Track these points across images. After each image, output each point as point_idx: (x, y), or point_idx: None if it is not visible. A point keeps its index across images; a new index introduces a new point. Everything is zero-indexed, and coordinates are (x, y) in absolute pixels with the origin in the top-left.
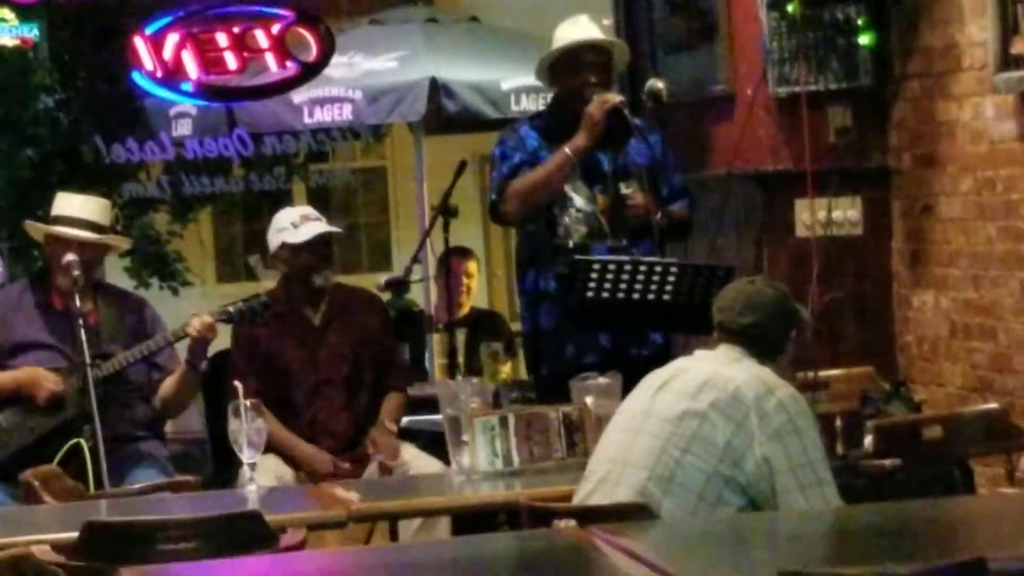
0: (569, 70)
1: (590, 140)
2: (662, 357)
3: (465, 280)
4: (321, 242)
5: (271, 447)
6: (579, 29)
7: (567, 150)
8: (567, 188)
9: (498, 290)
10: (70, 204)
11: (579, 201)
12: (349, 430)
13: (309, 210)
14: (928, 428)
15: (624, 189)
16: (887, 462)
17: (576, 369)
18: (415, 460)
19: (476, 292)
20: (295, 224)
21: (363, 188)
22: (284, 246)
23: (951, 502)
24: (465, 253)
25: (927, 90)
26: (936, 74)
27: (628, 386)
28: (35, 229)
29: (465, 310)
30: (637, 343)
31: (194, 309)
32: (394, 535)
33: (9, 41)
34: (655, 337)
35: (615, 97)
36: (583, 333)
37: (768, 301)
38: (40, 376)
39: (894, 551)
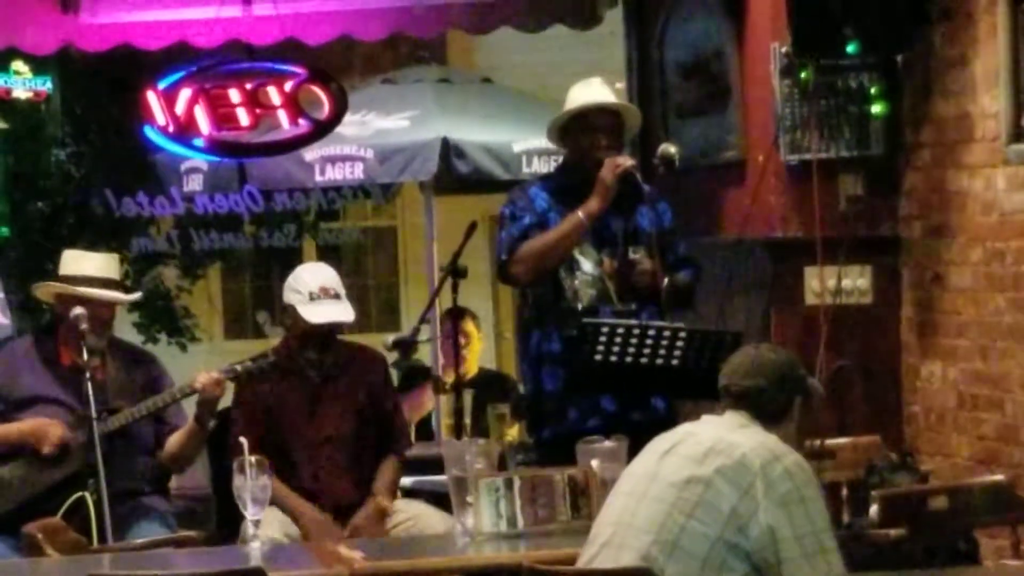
0: (580, 132)
1: (603, 204)
2: (665, 423)
3: (462, 340)
4: (329, 329)
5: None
6: (591, 91)
7: (580, 215)
8: (575, 252)
9: (506, 351)
10: (81, 263)
11: (586, 265)
12: (352, 489)
13: (330, 281)
14: (934, 499)
15: (632, 254)
16: (892, 532)
17: (578, 433)
18: (421, 516)
19: (477, 352)
20: (313, 296)
21: (373, 247)
22: (295, 310)
23: (956, 573)
24: (461, 313)
25: (938, 160)
26: (948, 144)
27: (631, 451)
28: (46, 290)
29: (472, 370)
30: (640, 408)
31: (202, 365)
32: None
33: (22, 94)
34: (658, 403)
35: (627, 161)
36: (586, 397)
37: (773, 366)
38: (46, 426)
39: None
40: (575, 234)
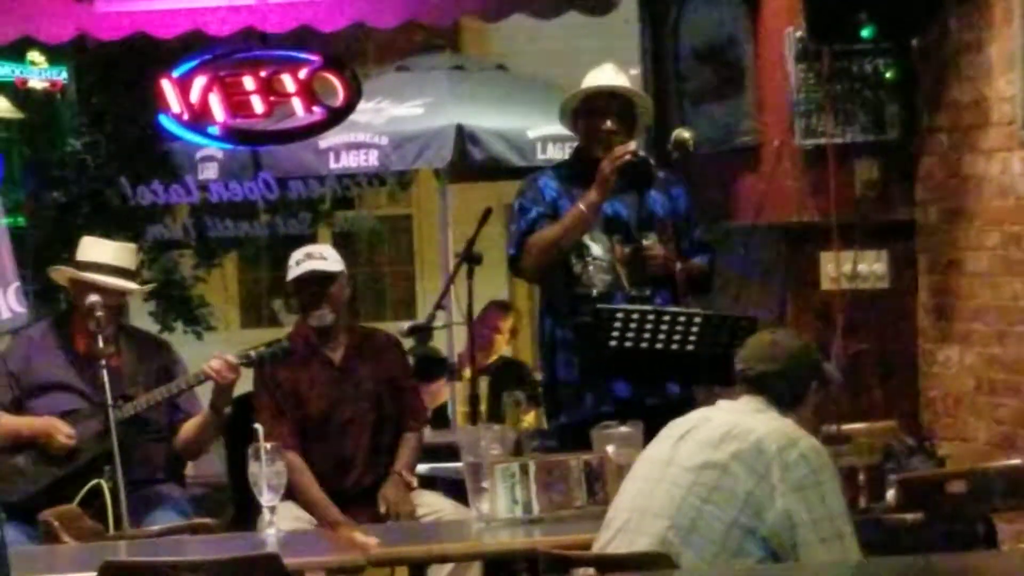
0: (589, 116)
1: (603, 195)
2: (680, 407)
3: (494, 334)
4: (312, 280)
5: (293, 495)
6: (603, 76)
7: (581, 206)
8: (585, 238)
9: (523, 339)
10: (98, 250)
11: (597, 250)
12: (374, 470)
13: (317, 248)
14: (951, 483)
15: (644, 240)
16: (909, 517)
17: (594, 419)
18: (441, 511)
19: (503, 347)
20: (297, 262)
21: (389, 236)
22: (286, 284)
23: (973, 557)
24: (504, 308)
25: (954, 144)
26: (964, 128)
27: (646, 436)
28: (60, 273)
29: (491, 360)
30: (654, 393)
31: (216, 353)
32: None
33: (38, 84)
34: (672, 387)
35: (627, 151)
36: (600, 383)
37: (788, 351)
38: (55, 428)
39: None
40: (579, 226)
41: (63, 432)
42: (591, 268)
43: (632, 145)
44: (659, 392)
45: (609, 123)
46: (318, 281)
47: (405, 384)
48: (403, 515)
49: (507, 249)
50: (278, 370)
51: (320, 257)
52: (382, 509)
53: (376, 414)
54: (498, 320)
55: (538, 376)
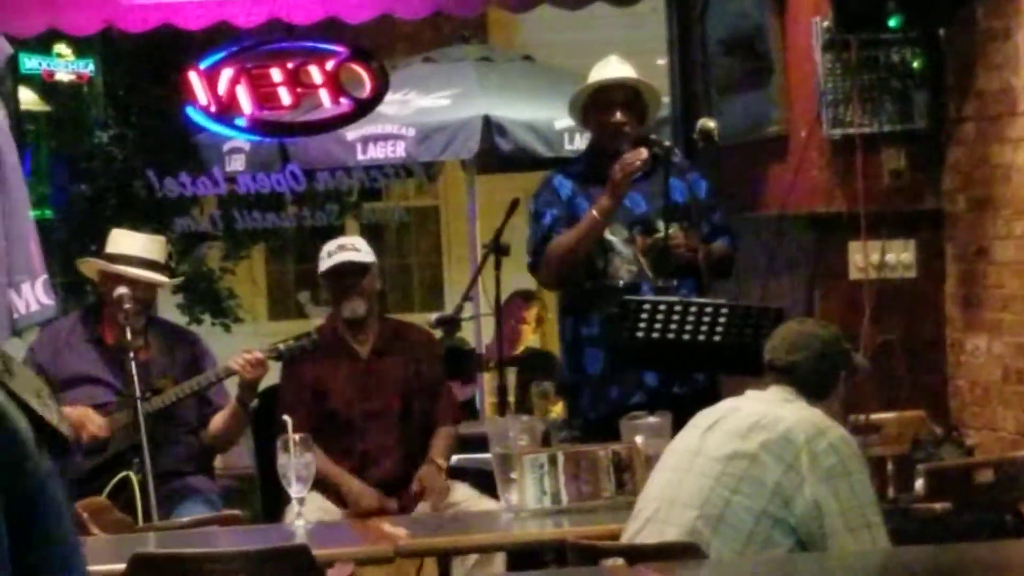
0: (598, 109)
1: (616, 201)
2: (707, 395)
3: (520, 324)
4: (346, 271)
5: (318, 483)
6: (608, 69)
7: (594, 212)
8: (606, 231)
9: (549, 331)
10: (128, 242)
11: (618, 243)
12: (399, 464)
13: (349, 240)
14: (980, 472)
15: (664, 229)
16: (938, 506)
17: (623, 410)
18: (469, 500)
19: (531, 336)
20: (330, 253)
21: (416, 228)
22: (319, 276)
23: (1002, 547)
24: (528, 297)
25: (982, 133)
26: (991, 117)
27: (674, 425)
28: (89, 266)
29: (518, 351)
30: (682, 382)
31: (245, 346)
32: (443, 571)
33: (65, 76)
34: (699, 376)
35: (639, 158)
36: (628, 374)
37: (817, 340)
38: (87, 418)
39: None
40: (593, 232)
41: (95, 422)
42: (615, 261)
43: (644, 153)
44: (687, 380)
45: (618, 115)
46: (351, 272)
47: (437, 380)
48: (437, 497)
49: (526, 256)
50: (304, 363)
51: (353, 248)
52: (415, 489)
53: (403, 408)
54: (522, 310)
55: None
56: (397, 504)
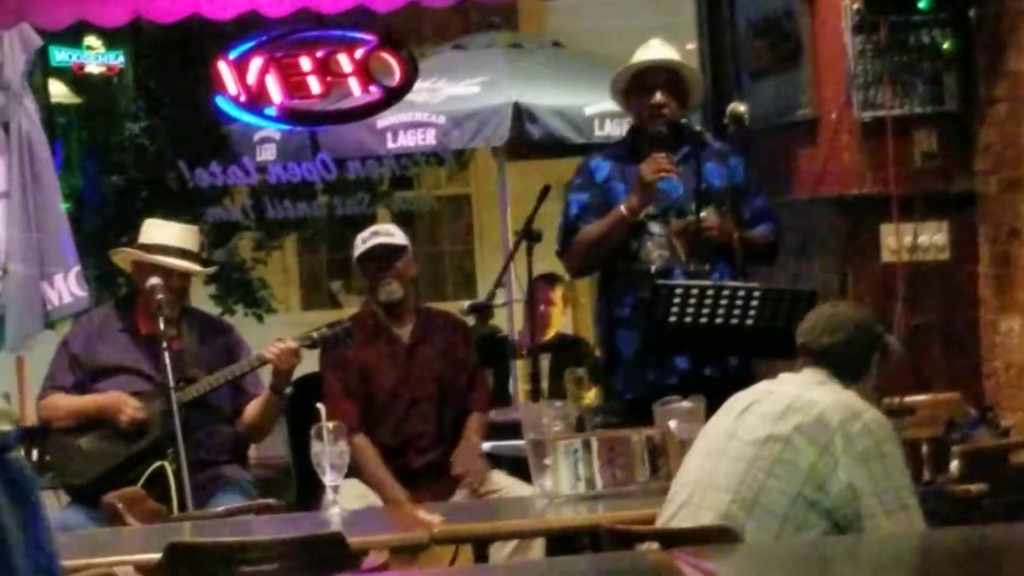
0: (639, 92)
1: (644, 202)
2: (739, 378)
3: (549, 307)
4: (380, 255)
5: (357, 473)
6: (650, 51)
7: (623, 210)
8: (641, 215)
9: (582, 316)
10: (159, 232)
11: (653, 226)
12: (437, 451)
13: (383, 226)
14: (1015, 453)
15: (697, 213)
16: (973, 487)
17: (657, 392)
18: (510, 487)
19: (560, 319)
20: (364, 240)
21: (447, 216)
22: (355, 263)
23: None
24: (551, 280)
25: (1013, 114)
26: (1022, 98)
27: (707, 410)
28: (123, 256)
29: (550, 336)
30: (715, 365)
31: (279, 336)
32: (479, 558)
33: (95, 68)
34: (732, 360)
35: (665, 167)
36: (661, 358)
37: (850, 322)
38: (123, 402)
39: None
40: (619, 228)
41: (131, 405)
42: (648, 244)
43: (663, 162)
44: (719, 363)
45: (659, 96)
46: (385, 255)
47: (470, 367)
48: (477, 480)
49: (556, 242)
50: (347, 349)
51: (387, 233)
52: (454, 472)
53: (440, 394)
54: (548, 292)
55: (598, 353)
56: (432, 494)
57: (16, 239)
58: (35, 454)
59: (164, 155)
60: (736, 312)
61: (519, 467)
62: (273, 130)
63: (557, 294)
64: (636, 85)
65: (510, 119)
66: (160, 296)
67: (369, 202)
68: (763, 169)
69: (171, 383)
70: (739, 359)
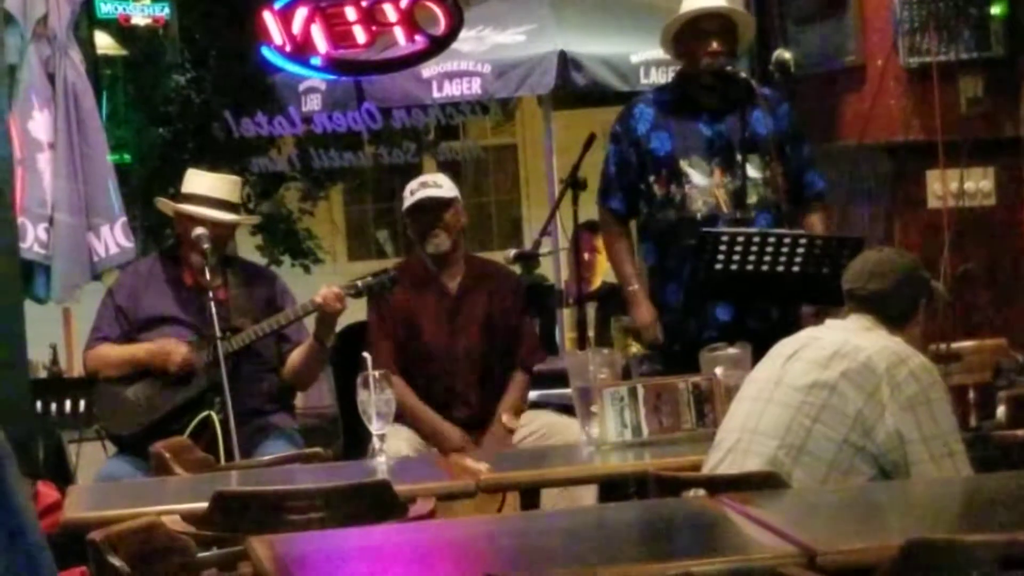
0: (691, 38)
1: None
2: (781, 329)
3: (595, 255)
4: (429, 207)
5: (404, 419)
6: None
7: (630, 290)
8: (683, 164)
9: None
10: (200, 182)
11: (696, 176)
12: (481, 403)
13: (432, 177)
14: None
15: (742, 162)
16: (1020, 433)
17: (702, 342)
18: (552, 425)
19: (605, 266)
20: (412, 191)
21: (494, 165)
22: (403, 214)
23: None
24: (596, 228)
25: None
26: None
27: (753, 358)
28: (166, 206)
29: (595, 284)
30: (756, 316)
31: (325, 287)
32: (526, 505)
33: (141, 20)
34: (773, 311)
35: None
36: (704, 308)
37: (896, 268)
38: (173, 347)
39: None
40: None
41: (180, 351)
42: (692, 193)
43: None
44: (761, 315)
45: (715, 44)
46: (433, 208)
47: (519, 321)
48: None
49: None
50: (395, 297)
51: (435, 185)
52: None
53: (487, 346)
54: (593, 240)
55: None
56: (474, 446)
57: (62, 190)
58: (82, 405)
59: (210, 106)
60: (782, 259)
61: (565, 415)
62: (318, 80)
63: (600, 241)
64: (689, 32)
65: (555, 67)
66: (205, 246)
67: (415, 152)
68: (808, 116)
69: (217, 333)
70: (782, 310)
